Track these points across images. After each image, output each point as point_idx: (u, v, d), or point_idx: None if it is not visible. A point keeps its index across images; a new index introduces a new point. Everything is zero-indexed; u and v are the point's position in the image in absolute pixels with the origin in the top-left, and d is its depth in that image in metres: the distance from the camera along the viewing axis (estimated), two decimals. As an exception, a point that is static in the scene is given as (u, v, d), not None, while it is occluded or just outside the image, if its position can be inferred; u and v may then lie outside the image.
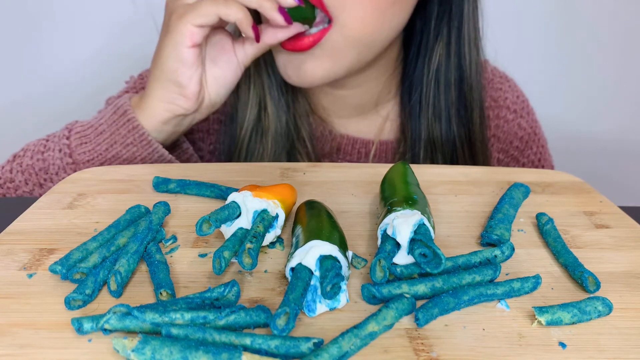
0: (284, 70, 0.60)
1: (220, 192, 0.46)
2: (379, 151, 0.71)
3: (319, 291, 0.32)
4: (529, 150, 0.75)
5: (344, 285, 0.33)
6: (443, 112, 0.66)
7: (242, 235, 0.37)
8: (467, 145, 0.68)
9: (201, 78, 0.57)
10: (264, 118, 0.66)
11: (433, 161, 0.68)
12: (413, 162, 0.68)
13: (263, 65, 0.66)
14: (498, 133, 0.73)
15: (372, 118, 0.72)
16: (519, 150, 0.75)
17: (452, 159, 0.68)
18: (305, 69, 0.58)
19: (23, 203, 0.46)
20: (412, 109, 0.68)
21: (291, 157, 0.67)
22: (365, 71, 0.66)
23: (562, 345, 0.30)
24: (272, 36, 0.56)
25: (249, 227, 0.38)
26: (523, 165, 0.75)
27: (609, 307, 0.33)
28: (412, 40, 0.67)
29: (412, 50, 0.67)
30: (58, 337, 0.30)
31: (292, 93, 0.68)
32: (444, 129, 0.67)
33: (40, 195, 0.53)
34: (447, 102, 0.66)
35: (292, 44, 0.56)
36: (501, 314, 0.33)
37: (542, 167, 0.75)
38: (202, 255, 0.38)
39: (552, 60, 0.90)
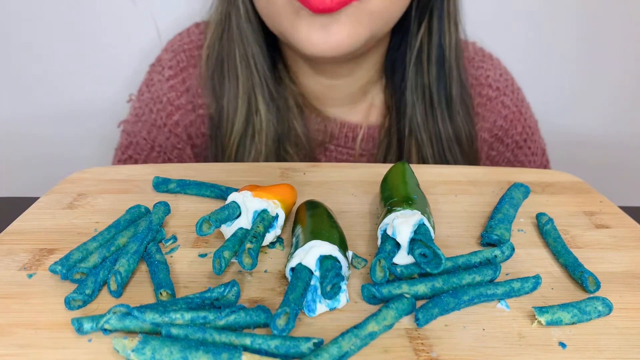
0: (307, 37, 0.56)
1: (220, 192, 0.46)
2: (366, 135, 0.70)
3: (319, 291, 0.32)
4: (514, 130, 0.73)
5: (344, 285, 0.33)
6: (425, 92, 0.66)
7: (242, 235, 0.37)
8: (449, 122, 0.67)
9: None
10: (255, 120, 0.65)
11: (416, 141, 0.67)
12: (399, 140, 0.68)
13: (254, 68, 0.64)
14: (482, 112, 0.72)
15: (361, 106, 0.71)
16: (503, 130, 0.73)
17: (439, 143, 0.67)
18: (331, 33, 0.56)
19: (23, 203, 0.46)
20: (395, 89, 0.68)
21: (284, 152, 0.66)
22: (361, 57, 0.65)
23: (562, 345, 0.30)
24: None
25: (249, 227, 0.38)
26: (507, 146, 0.73)
27: (609, 307, 0.33)
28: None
29: (396, 31, 0.67)
30: (58, 337, 0.30)
31: (283, 89, 0.67)
32: (427, 110, 0.67)
33: None
34: (430, 81, 0.66)
35: (319, 5, 0.54)
36: (501, 314, 0.33)
37: (529, 148, 0.73)
38: (202, 255, 0.38)
39: (553, 59, 0.90)
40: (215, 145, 0.68)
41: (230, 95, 0.65)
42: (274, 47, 0.67)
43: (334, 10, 0.54)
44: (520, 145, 0.73)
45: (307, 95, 0.69)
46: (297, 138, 0.67)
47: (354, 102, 0.71)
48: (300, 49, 0.58)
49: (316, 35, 0.56)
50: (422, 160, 0.67)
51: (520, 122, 0.73)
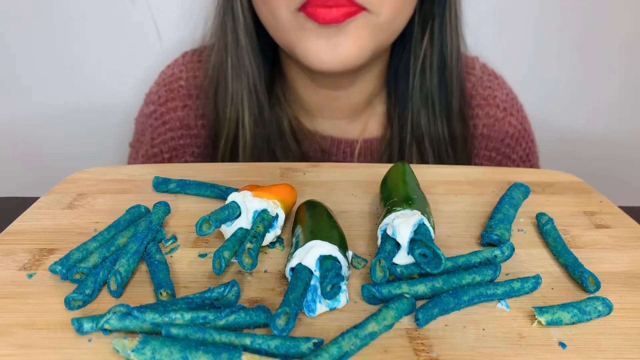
0: (316, 55, 0.56)
1: (220, 192, 0.46)
2: (363, 149, 0.71)
3: (319, 291, 0.32)
4: (519, 147, 0.75)
5: (344, 285, 0.33)
6: (428, 99, 0.67)
7: (242, 235, 0.37)
8: (447, 128, 0.68)
9: None
10: (240, 133, 0.65)
11: (419, 149, 0.68)
12: (400, 150, 0.68)
13: (245, 79, 0.64)
14: (489, 132, 0.73)
15: (362, 118, 0.71)
16: (510, 148, 0.74)
17: (439, 147, 0.68)
18: (340, 48, 0.55)
19: (23, 203, 0.46)
20: (399, 98, 0.68)
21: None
22: (363, 68, 0.65)
23: (562, 345, 0.30)
24: None
25: (249, 227, 0.38)
26: (513, 162, 0.75)
27: (609, 307, 0.33)
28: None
29: (397, 41, 0.67)
30: (58, 337, 0.30)
31: (279, 105, 0.67)
32: (430, 116, 0.67)
33: None
34: (432, 89, 0.66)
35: (326, 15, 0.53)
36: (501, 314, 0.33)
37: (529, 160, 0.76)
38: (202, 255, 0.38)
39: (552, 59, 0.90)
40: (212, 154, 0.69)
41: (221, 105, 0.66)
42: (273, 60, 0.67)
43: (340, 21, 0.54)
44: (524, 160, 0.75)
45: (307, 107, 0.69)
46: (294, 158, 0.67)
47: (357, 114, 0.71)
48: (308, 64, 0.58)
49: (324, 50, 0.56)
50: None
51: (524, 138, 0.75)
